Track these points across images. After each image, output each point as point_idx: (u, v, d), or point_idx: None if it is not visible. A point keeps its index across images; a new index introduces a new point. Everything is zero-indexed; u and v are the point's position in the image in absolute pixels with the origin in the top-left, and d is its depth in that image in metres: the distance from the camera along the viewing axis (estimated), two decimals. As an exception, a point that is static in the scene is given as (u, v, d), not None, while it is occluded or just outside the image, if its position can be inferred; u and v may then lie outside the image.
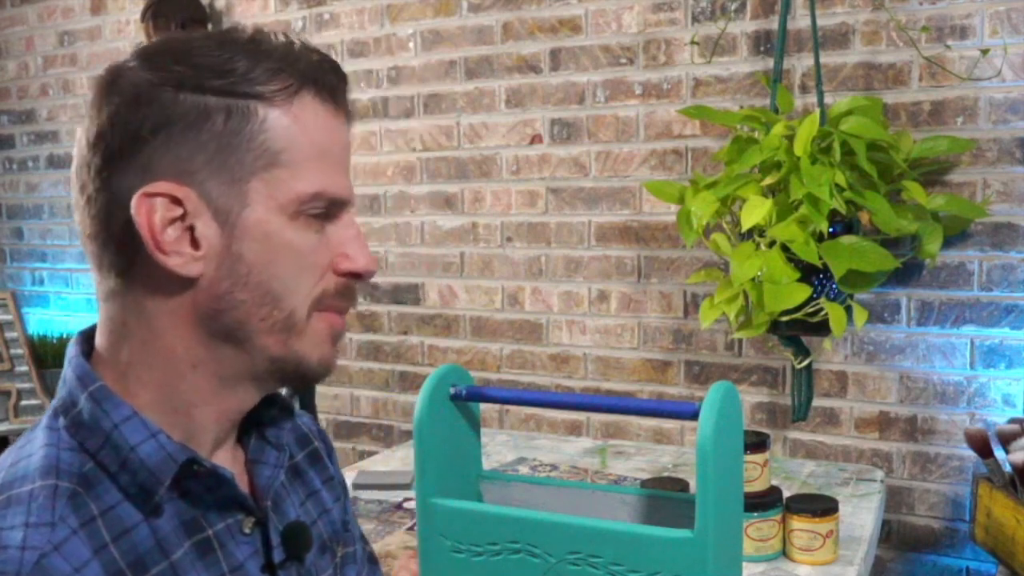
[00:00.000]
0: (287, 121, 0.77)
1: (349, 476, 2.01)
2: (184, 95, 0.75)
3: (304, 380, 0.82)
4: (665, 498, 1.32)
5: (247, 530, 0.83)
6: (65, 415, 0.77)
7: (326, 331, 0.81)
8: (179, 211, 0.74)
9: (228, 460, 0.87)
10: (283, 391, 1.02)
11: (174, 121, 0.75)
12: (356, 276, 0.81)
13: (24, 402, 3.01)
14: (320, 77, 0.79)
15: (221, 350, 0.79)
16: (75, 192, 0.81)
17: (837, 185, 1.69)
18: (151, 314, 0.78)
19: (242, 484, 0.88)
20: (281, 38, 0.80)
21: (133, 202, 0.74)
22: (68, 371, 0.80)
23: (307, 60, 0.79)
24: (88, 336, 0.83)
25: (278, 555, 0.86)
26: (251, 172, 0.75)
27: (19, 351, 3.08)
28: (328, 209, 0.79)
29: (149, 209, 0.74)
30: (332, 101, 0.81)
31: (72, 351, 0.81)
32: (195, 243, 0.75)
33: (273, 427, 0.91)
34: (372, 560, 1.12)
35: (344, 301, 0.81)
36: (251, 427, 0.91)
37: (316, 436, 1.04)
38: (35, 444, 0.77)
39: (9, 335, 3.09)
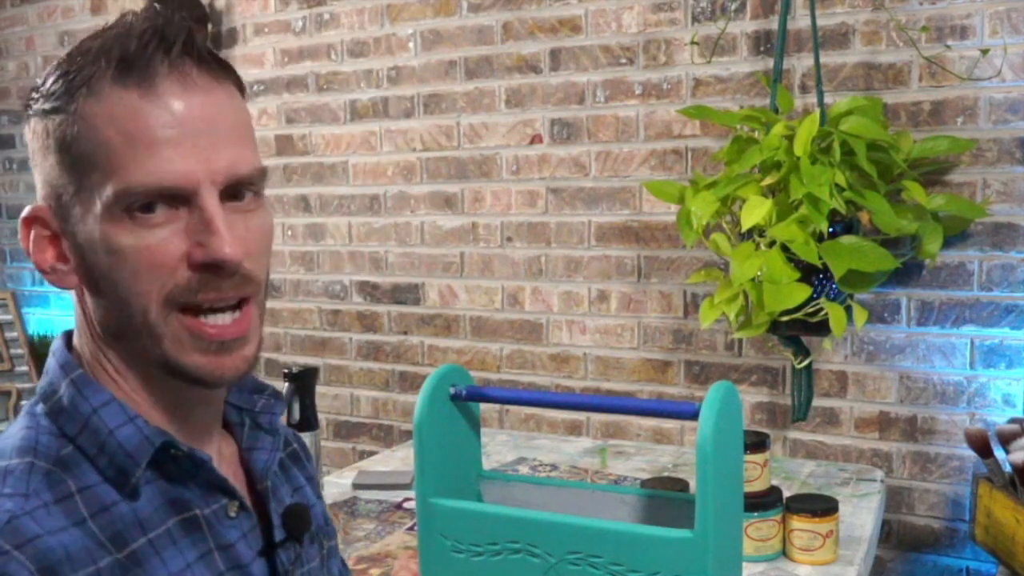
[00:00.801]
0: (90, 121, 0.75)
1: (349, 476, 2.01)
2: (34, 121, 0.79)
3: (201, 384, 0.79)
4: (665, 498, 1.32)
5: (232, 513, 0.84)
6: (46, 402, 0.79)
7: (187, 337, 0.77)
8: (48, 231, 0.79)
9: (215, 450, 0.88)
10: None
11: (34, 148, 0.79)
12: (213, 266, 0.75)
13: (24, 402, 3.01)
14: (124, 58, 0.75)
15: (124, 349, 0.80)
16: None
17: (837, 185, 1.69)
18: (87, 316, 0.81)
19: (236, 473, 0.90)
20: (126, 21, 0.77)
21: (19, 225, 0.80)
22: (51, 361, 0.82)
23: (121, 44, 0.75)
24: (70, 333, 0.85)
25: (279, 534, 0.88)
26: (80, 183, 0.75)
27: (19, 351, 3.09)
28: (156, 201, 0.74)
29: (27, 231, 0.79)
30: (136, 81, 0.74)
31: (56, 343, 0.83)
32: (63, 258, 0.79)
33: (265, 413, 0.93)
34: (345, 564, 1.13)
35: (208, 293, 0.76)
36: (244, 416, 0.93)
37: (293, 438, 1.05)
38: (14, 428, 0.79)
39: (9, 335, 3.09)
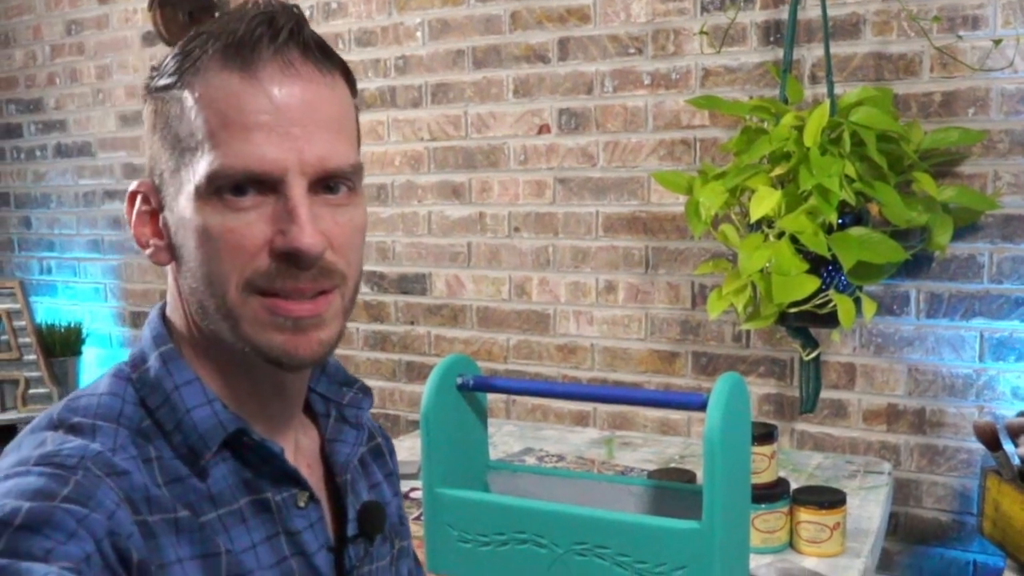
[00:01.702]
0: (191, 101, 0.76)
1: (356, 466, 2.00)
2: (149, 99, 0.80)
3: (278, 364, 0.79)
4: (672, 489, 1.32)
5: (301, 504, 0.84)
6: (134, 369, 0.82)
7: (265, 316, 0.76)
8: (148, 206, 0.81)
9: (292, 439, 0.88)
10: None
11: (146, 126, 0.81)
12: (291, 255, 0.75)
13: (32, 391, 3.02)
14: (231, 42, 0.75)
15: (207, 332, 0.81)
16: None
17: (847, 176, 1.68)
18: (179, 293, 0.82)
19: (313, 464, 0.91)
20: (242, 7, 0.78)
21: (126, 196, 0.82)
22: (145, 331, 0.85)
23: (231, 28, 0.76)
24: (165, 305, 0.87)
25: (352, 529, 0.88)
26: (180, 160, 0.77)
27: (27, 340, 3.09)
28: (246, 185, 0.74)
29: (131, 206, 0.82)
30: (239, 64, 0.75)
31: (153, 313, 0.86)
32: (160, 234, 0.81)
33: (352, 407, 0.93)
34: (418, 561, 1.13)
35: (286, 282, 0.76)
36: (331, 408, 0.93)
37: (378, 432, 1.06)
38: (100, 388, 0.81)
39: (17, 324, 3.09)
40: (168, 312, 0.85)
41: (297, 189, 0.75)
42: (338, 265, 0.79)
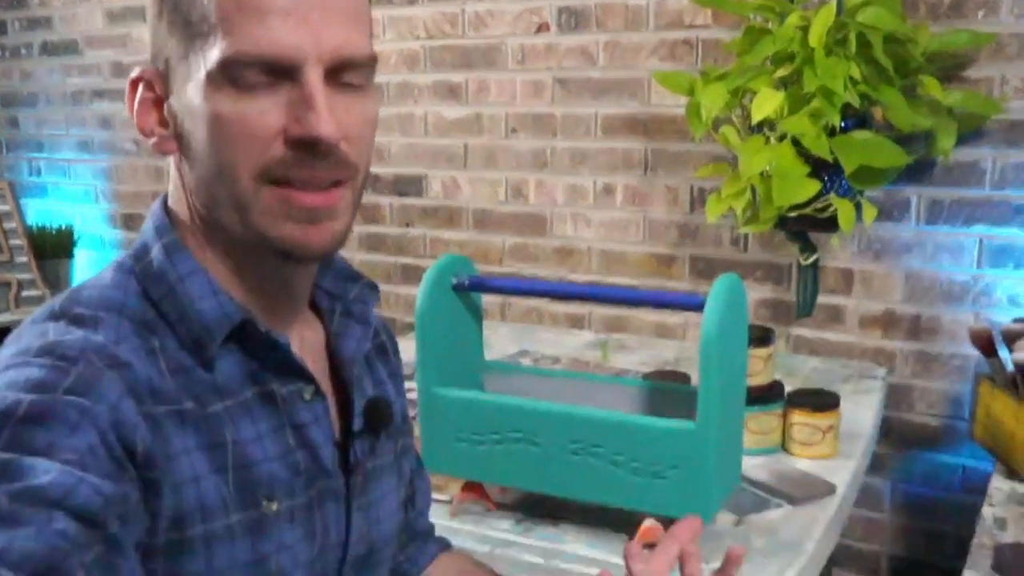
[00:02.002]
0: None
1: (351, 367, 2.01)
2: None
3: (288, 256, 0.78)
4: (667, 390, 1.32)
5: (307, 397, 0.84)
6: (137, 262, 0.81)
7: (278, 207, 0.75)
8: (152, 94, 0.79)
9: (297, 334, 0.87)
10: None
11: (151, 11, 0.78)
12: (308, 143, 0.73)
13: (25, 293, 3.00)
14: None
15: (214, 223, 0.80)
16: None
17: (852, 78, 1.65)
18: (183, 184, 0.81)
19: (318, 359, 0.90)
20: None
21: (127, 85, 0.79)
22: (148, 222, 0.83)
23: None
24: (167, 196, 0.86)
25: (358, 424, 0.88)
26: (189, 46, 0.74)
27: (18, 242, 3.06)
28: (259, 71, 0.72)
29: (132, 93, 0.79)
30: None
31: (155, 205, 0.84)
32: (165, 123, 0.78)
33: (358, 303, 0.92)
34: (420, 461, 1.13)
35: (301, 171, 0.74)
36: (336, 303, 0.92)
37: (382, 330, 1.04)
38: (104, 279, 0.80)
39: (7, 226, 3.06)
40: (171, 203, 0.83)
41: (314, 76, 0.73)
42: (352, 156, 0.77)
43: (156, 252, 0.80)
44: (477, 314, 1.38)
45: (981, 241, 1.93)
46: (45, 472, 0.62)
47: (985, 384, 1.70)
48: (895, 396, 2.05)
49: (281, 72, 0.73)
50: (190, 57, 0.74)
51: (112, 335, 0.74)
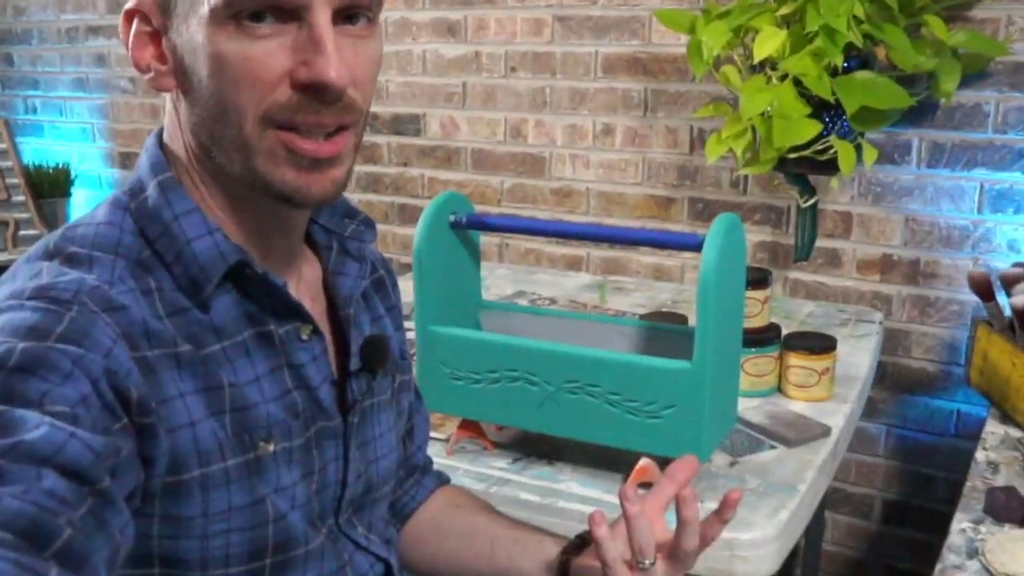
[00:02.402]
0: None
1: (348, 306, 2.00)
2: None
3: (288, 202, 0.76)
4: (664, 330, 1.32)
5: (304, 336, 0.84)
6: (132, 198, 0.79)
7: (281, 152, 0.74)
8: (149, 27, 0.76)
9: (295, 273, 0.87)
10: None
11: None
12: (316, 87, 0.71)
13: (22, 232, 2.99)
14: None
15: (211, 163, 0.78)
16: None
17: (855, 17, 1.63)
18: (180, 121, 0.79)
19: (316, 297, 0.90)
20: None
21: (121, 19, 0.77)
22: (143, 158, 0.82)
23: None
24: (162, 131, 0.84)
25: (354, 363, 0.88)
26: None
27: (15, 181, 3.04)
28: (266, 11, 0.71)
29: (128, 25, 0.76)
30: None
31: (149, 140, 0.82)
32: (163, 58, 0.76)
33: (355, 240, 0.91)
34: (419, 395, 1.13)
35: (307, 116, 0.73)
36: (333, 240, 0.91)
37: (381, 264, 1.04)
38: (98, 216, 0.79)
39: (3, 164, 3.04)
40: (166, 140, 0.82)
41: (323, 17, 0.71)
42: (358, 101, 0.75)
43: (152, 190, 0.79)
44: (475, 253, 1.37)
45: (982, 185, 1.92)
46: (36, 427, 0.61)
47: (982, 329, 1.70)
48: (891, 340, 2.05)
49: (287, 12, 0.71)
50: None
51: (107, 275, 0.74)
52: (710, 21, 1.77)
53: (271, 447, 0.79)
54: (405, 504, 1.09)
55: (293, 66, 0.71)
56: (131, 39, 0.76)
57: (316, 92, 0.71)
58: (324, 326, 0.87)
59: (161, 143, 0.82)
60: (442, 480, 1.14)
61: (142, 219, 0.78)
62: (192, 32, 0.72)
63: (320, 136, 0.74)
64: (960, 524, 1.25)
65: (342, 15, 0.73)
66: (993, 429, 1.56)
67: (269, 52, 0.71)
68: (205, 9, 0.71)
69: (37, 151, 3.32)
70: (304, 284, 0.88)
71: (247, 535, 0.77)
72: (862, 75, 1.69)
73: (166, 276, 0.77)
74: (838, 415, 1.48)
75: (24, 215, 3.01)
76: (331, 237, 0.92)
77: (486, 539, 1.03)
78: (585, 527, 0.88)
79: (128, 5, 0.76)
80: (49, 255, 0.75)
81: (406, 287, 2.13)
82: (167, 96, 0.80)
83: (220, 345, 0.78)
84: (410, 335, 1.79)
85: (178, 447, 0.73)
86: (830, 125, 1.72)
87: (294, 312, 0.83)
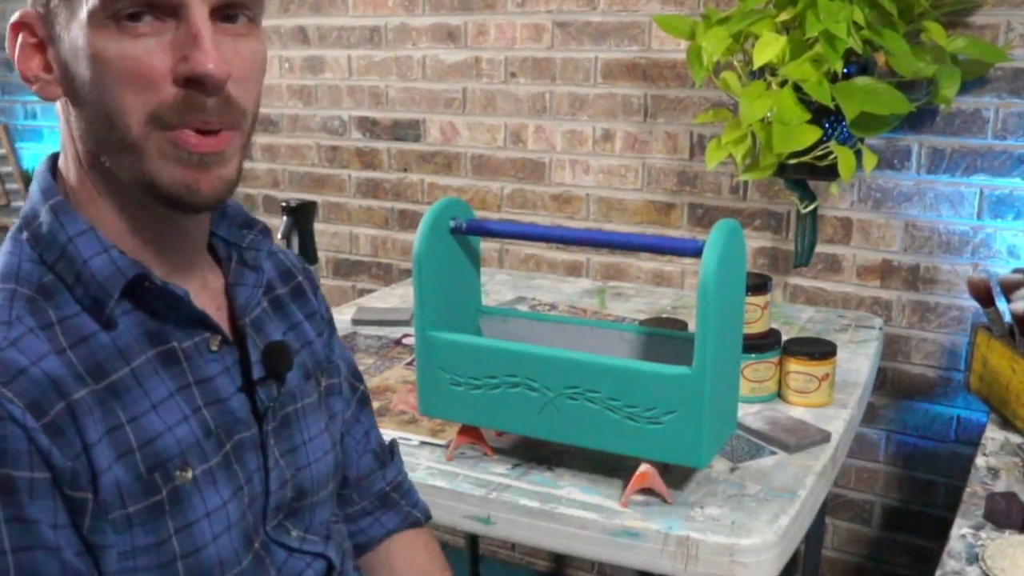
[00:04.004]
0: None
1: (348, 312, 2.01)
2: None
3: (180, 201, 0.76)
4: (664, 336, 1.32)
5: (214, 348, 0.84)
6: (27, 227, 0.80)
7: (169, 150, 0.74)
8: (34, 39, 0.77)
9: (199, 283, 0.87)
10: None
11: None
12: (196, 80, 0.72)
13: (20, 234, 2.99)
14: None
15: (101, 171, 0.78)
16: None
17: (855, 23, 1.63)
18: (71, 131, 0.79)
19: (222, 308, 0.89)
20: None
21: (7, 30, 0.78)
22: (34, 185, 0.82)
23: None
24: (57, 155, 0.84)
25: (257, 371, 0.87)
26: None
27: (14, 186, 3.05)
28: (142, 10, 0.71)
29: (14, 37, 0.77)
30: None
31: (40, 167, 0.83)
32: (48, 68, 0.77)
33: (251, 249, 0.92)
34: (364, 401, 1.12)
35: (192, 115, 0.73)
36: (232, 251, 0.91)
37: (300, 271, 1.04)
38: (1, 248, 0.80)
39: (3, 170, 3.05)
40: (60, 161, 0.82)
41: (198, 13, 0.72)
42: (240, 99, 0.76)
43: (44, 215, 0.79)
44: (475, 259, 1.37)
45: (981, 191, 1.92)
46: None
47: (982, 335, 1.70)
48: (891, 346, 2.05)
49: (164, 10, 0.72)
50: (68, 3, 0.73)
51: (4, 317, 0.73)
52: (710, 27, 1.77)
53: (189, 474, 0.79)
54: (356, 533, 1.09)
55: (173, 63, 0.72)
56: (16, 51, 0.77)
57: (197, 85, 0.72)
58: (231, 337, 0.87)
59: (53, 168, 0.83)
60: (408, 521, 1.12)
61: (40, 246, 0.78)
62: (74, 38, 0.73)
63: (207, 135, 0.75)
64: (960, 530, 1.25)
65: (220, 14, 0.75)
66: (993, 435, 1.56)
67: (149, 50, 0.72)
68: (84, 13, 0.72)
69: (36, 156, 3.32)
70: (208, 295, 0.88)
71: (155, 573, 0.77)
72: (862, 81, 1.69)
73: (68, 300, 0.77)
74: (838, 421, 1.48)
75: (24, 220, 3.01)
76: (230, 249, 0.92)
77: None
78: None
79: (13, 18, 0.77)
80: None
81: (406, 293, 2.14)
82: (58, 109, 0.80)
83: (128, 368, 0.77)
84: (410, 341, 1.80)
85: (101, 490, 0.74)
86: (830, 131, 1.73)
87: (199, 323, 0.83)
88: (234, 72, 0.75)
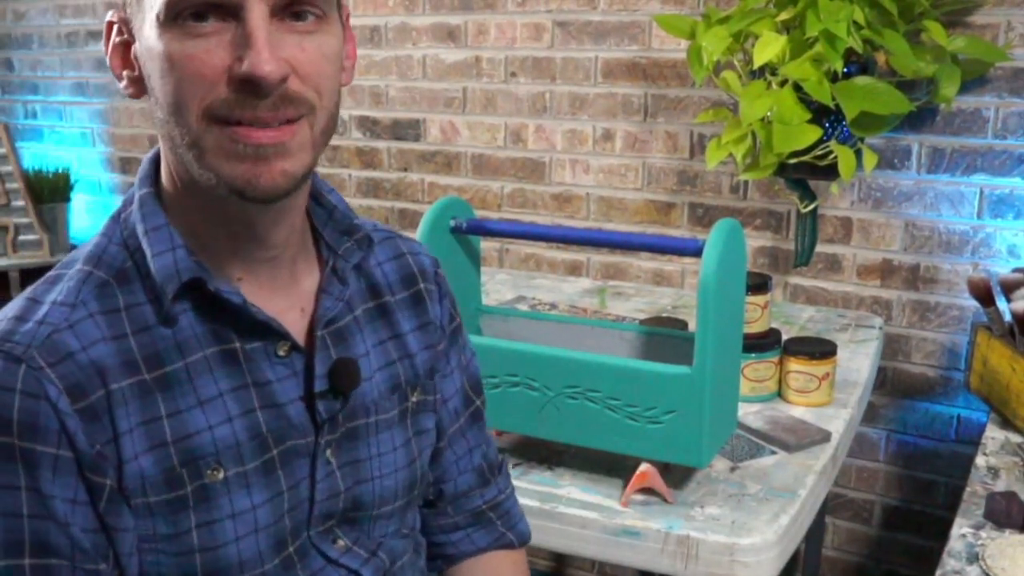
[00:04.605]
0: None
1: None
2: None
3: (241, 196, 0.76)
4: (664, 335, 1.32)
5: (281, 353, 0.84)
6: (125, 209, 0.85)
7: (227, 145, 0.74)
8: (122, 36, 0.80)
9: (285, 284, 0.87)
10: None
11: None
12: (248, 81, 0.72)
13: (22, 237, 2.99)
14: None
15: (181, 167, 0.80)
16: None
17: (855, 22, 1.63)
18: (159, 133, 0.81)
19: (306, 312, 0.89)
20: None
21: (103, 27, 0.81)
22: (140, 168, 0.86)
23: None
24: None
25: (320, 384, 0.86)
26: None
27: (14, 186, 3.04)
28: (206, 11, 0.72)
29: (108, 35, 0.81)
30: None
31: (150, 153, 0.87)
32: (132, 66, 0.80)
33: (344, 260, 0.91)
34: (476, 416, 1.08)
35: (244, 112, 0.74)
36: (330, 258, 0.91)
37: (429, 277, 1.02)
38: (99, 230, 0.85)
39: (3, 169, 3.04)
40: (160, 151, 0.85)
41: (255, 13, 0.72)
42: (304, 93, 0.76)
43: (136, 203, 0.83)
44: (475, 259, 1.37)
45: (982, 191, 1.92)
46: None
47: (982, 334, 1.70)
48: (892, 346, 2.05)
49: (226, 10, 0.73)
50: (143, 2, 0.75)
51: (71, 298, 0.79)
52: (710, 26, 1.77)
53: (220, 474, 0.80)
54: (446, 545, 1.07)
55: (231, 62, 0.73)
56: (109, 49, 0.82)
57: (250, 86, 0.73)
58: (304, 343, 0.87)
59: (157, 158, 0.86)
60: (500, 542, 1.09)
61: (127, 231, 0.83)
62: (147, 37, 0.76)
63: (264, 127, 0.75)
64: (960, 529, 1.25)
65: (287, 11, 0.75)
66: (993, 434, 1.56)
67: (208, 49, 0.73)
68: (153, 14, 0.74)
69: (37, 156, 3.32)
70: (297, 295, 0.88)
71: (173, 560, 0.80)
72: (862, 80, 1.69)
73: (140, 289, 0.81)
74: (838, 420, 1.48)
75: (24, 220, 3.01)
76: (331, 254, 0.91)
77: None
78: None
79: (107, 17, 0.81)
80: (45, 280, 0.83)
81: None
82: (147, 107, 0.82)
83: (183, 362, 0.80)
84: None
85: (125, 479, 0.77)
86: (830, 130, 1.73)
87: (262, 329, 0.83)
88: (298, 69, 0.75)
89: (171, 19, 0.73)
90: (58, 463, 0.74)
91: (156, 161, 0.85)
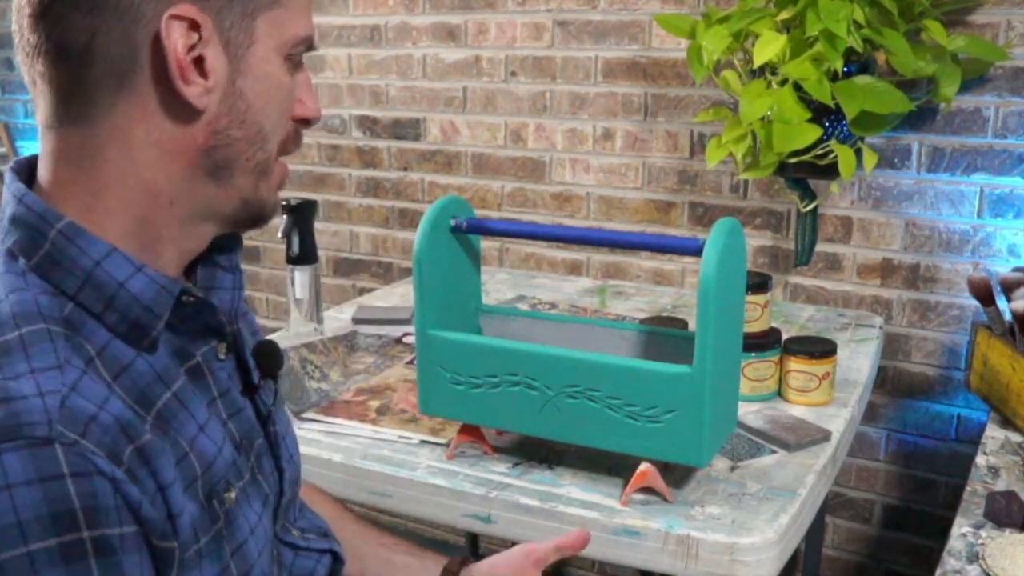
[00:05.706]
0: None
1: (348, 311, 2.01)
2: None
3: (255, 223, 0.82)
4: (664, 335, 1.32)
5: (222, 355, 0.83)
6: (28, 257, 0.71)
7: (280, 176, 0.82)
8: (195, 37, 0.71)
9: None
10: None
11: None
12: (306, 123, 0.82)
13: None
14: None
15: (202, 188, 0.76)
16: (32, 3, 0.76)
17: (855, 22, 1.63)
18: (137, 144, 0.73)
19: None
20: None
21: (162, 23, 0.70)
22: (19, 210, 0.73)
23: None
24: (24, 167, 0.77)
25: (256, 376, 0.87)
26: (259, 8, 0.75)
27: (15, 182, 3.05)
28: (304, 53, 0.80)
29: (170, 32, 0.70)
30: None
31: (15, 187, 0.74)
32: (204, 74, 0.72)
33: (224, 253, 0.86)
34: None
35: (294, 146, 0.82)
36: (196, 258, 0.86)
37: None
38: (1, 287, 0.71)
39: (3, 168, 3.04)
40: (69, 172, 0.74)
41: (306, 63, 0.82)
42: None
43: (53, 241, 0.71)
44: (475, 258, 1.37)
45: (982, 190, 1.92)
46: None
47: (982, 333, 1.70)
48: (892, 345, 2.05)
49: (303, 55, 0.81)
50: (257, 19, 0.75)
51: (52, 362, 0.67)
52: (710, 26, 1.77)
53: (233, 494, 0.78)
54: None
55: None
56: (180, 47, 0.71)
57: (306, 126, 0.83)
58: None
59: (30, 186, 0.75)
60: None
61: (53, 275, 0.71)
62: (259, 59, 0.76)
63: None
64: (960, 528, 1.25)
65: None
66: (993, 434, 1.56)
67: (296, 87, 0.81)
68: (274, 42, 0.76)
69: (37, 155, 3.32)
70: None
71: None
72: (862, 80, 1.69)
73: (98, 328, 0.71)
74: (838, 419, 1.48)
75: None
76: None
77: (353, 558, 1.03)
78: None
79: (174, 10, 0.70)
80: None
81: (406, 292, 2.14)
82: (88, 129, 0.73)
83: (170, 391, 0.74)
84: (411, 340, 1.80)
85: (180, 531, 0.71)
86: (830, 130, 1.73)
87: (213, 332, 0.82)
88: None
89: (288, 53, 0.78)
90: (124, 542, 0.64)
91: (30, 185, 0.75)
